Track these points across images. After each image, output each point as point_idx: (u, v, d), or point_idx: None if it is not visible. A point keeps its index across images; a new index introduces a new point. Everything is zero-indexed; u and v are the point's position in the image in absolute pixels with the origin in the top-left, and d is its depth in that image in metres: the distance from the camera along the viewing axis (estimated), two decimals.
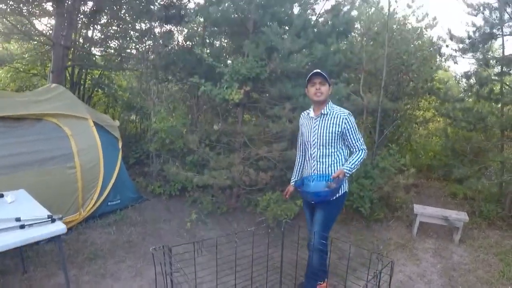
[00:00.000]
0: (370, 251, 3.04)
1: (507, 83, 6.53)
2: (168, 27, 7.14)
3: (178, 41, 7.02)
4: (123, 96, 9.43)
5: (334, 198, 3.44)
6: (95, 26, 8.85)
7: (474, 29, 6.65)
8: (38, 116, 4.77)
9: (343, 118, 3.35)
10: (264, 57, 5.25)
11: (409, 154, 8.47)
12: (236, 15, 5.66)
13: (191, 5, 6.99)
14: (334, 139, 3.40)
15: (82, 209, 4.97)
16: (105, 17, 8.23)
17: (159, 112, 5.97)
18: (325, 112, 3.41)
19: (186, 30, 6.01)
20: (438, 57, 8.02)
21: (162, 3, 6.93)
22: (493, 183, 6.29)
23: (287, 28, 5.56)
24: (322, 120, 3.42)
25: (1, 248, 2.53)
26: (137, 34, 7.52)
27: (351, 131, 3.38)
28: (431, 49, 7.98)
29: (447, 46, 7.23)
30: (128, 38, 7.82)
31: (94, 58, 9.28)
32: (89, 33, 9.20)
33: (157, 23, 6.99)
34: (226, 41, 6.48)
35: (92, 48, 9.14)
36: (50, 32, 8.37)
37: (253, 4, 5.21)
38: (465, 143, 7.02)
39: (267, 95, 5.63)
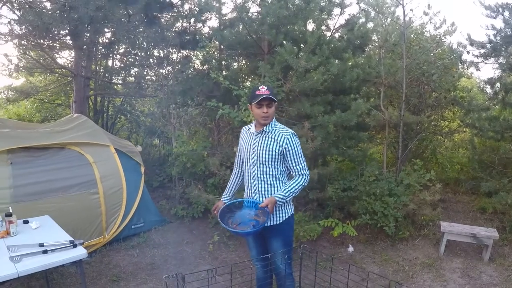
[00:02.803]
0: (390, 279, 2.82)
1: None
2: (184, 52, 7.22)
3: (195, 65, 7.10)
4: (146, 121, 9.59)
5: (279, 222, 3.18)
6: (114, 55, 9.06)
7: (495, 32, 6.47)
8: (62, 145, 4.90)
9: (284, 137, 3.06)
10: (280, 77, 5.23)
11: (435, 168, 8.20)
12: (250, 37, 5.67)
13: (206, 30, 7.08)
14: (275, 159, 3.11)
15: (106, 233, 5.05)
16: (123, 46, 8.42)
17: (179, 136, 5.99)
18: (268, 130, 3.12)
19: (202, 55, 6.05)
20: (459, 64, 7.84)
21: (176, 30, 7.02)
22: None
23: (302, 46, 5.54)
24: (263, 138, 3.15)
25: (24, 272, 2.64)
26: (155, 61, 7.65)
27: (292, 152, 3.07)
28: (451, 56, 7.76)
29: (468, 52, 7.06)
30: (146, 66, 7.97)
31: (115, 87, 9.49)
32: (109, 63, 9.45)
33: (174, 49, 7.09)
34: (243, 62, 6.51)
35: (113, 77, 9.35)
36: (71, 64, 8.61)
37: (265, 25, 5.22)
38: (493, 154, 6.74)
39: (286, 114, 5.58)
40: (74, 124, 5.62)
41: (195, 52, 7.16)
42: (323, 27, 6.12)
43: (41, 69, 9.38)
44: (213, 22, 8.27)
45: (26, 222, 3.56)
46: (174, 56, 7.19)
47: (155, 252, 5.10)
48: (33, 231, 3.36)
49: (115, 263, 4.75)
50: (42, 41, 7.67)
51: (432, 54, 7.72)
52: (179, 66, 6.66)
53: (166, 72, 7.24)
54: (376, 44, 7.60)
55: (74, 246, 3.02)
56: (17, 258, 2.76)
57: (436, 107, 8.17)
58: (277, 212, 3.17)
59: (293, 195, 3.10)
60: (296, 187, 3.07)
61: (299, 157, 3.10)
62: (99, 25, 6.86)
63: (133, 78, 8.91)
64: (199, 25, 7.15)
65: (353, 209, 5.63)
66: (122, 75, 9.20)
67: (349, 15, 6.23)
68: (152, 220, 5.79)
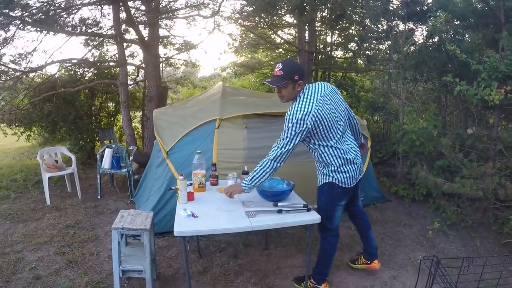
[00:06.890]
0: None
1: None
2: (410, 25, 6.83)
3: (423, 38, 6.68)
4: (366, 96, 9.62)
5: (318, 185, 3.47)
6: (334, 31, 9.24)
7: None
8: None
9: None
10: None
11: None
12: (482, 5, 5.03)
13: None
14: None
15: None
16: (344, 21, 8.50)
17: (410, 113, 5.78)
18: None
19: (429, 27, 5.60)
20: None
21: (401, 0, 6.67)
22: None
23: None
24: None
25: (258, 227, 2.85)
26: (378, 34, 7.49)
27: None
28: None
29: None
30: (369, 39, 7.87)
31: (334, 61, 9.73)
32: (329, 38, 9.70)
33: (397, 22, 6.79)
34: (473, 35, 5.82)
35: (333, 52, 9.57)
36: (293, 40, 9.14)
37: None
38: None
39: None
40: None
41: (421, 25, 6.71)
42: None
43: (264, 46, 10.24)
44: None
45: None
46: (400, 28, 6.86)
47: (372, 228, 5.11)
48: None
49: None
50: (266, 20, 8.32)
51: None
52: (406, 39, 6.32)
53: (390, 46, 6.97)
54: None
55: (308, 210, 3.14)
56: (253, 213, 2.98)
57: None
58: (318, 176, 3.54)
59: (257, 180, 3.16)
60: (257, 170, 3.19)
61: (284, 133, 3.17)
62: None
63: (352, 54, 8.97)
64: None
65: None
66: (343, 49, 9.33)
67: None
68: (372, 195, 5.86)
